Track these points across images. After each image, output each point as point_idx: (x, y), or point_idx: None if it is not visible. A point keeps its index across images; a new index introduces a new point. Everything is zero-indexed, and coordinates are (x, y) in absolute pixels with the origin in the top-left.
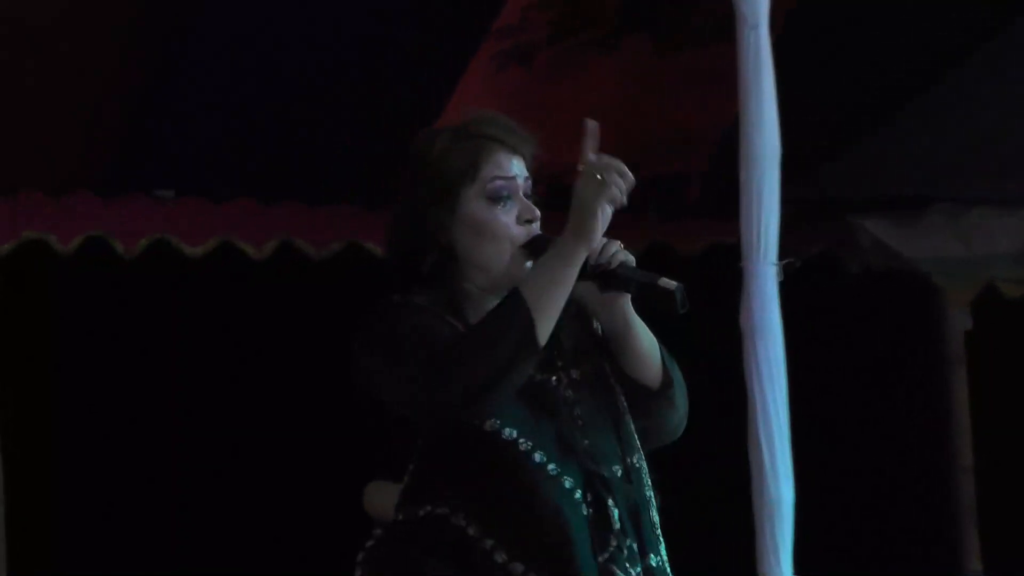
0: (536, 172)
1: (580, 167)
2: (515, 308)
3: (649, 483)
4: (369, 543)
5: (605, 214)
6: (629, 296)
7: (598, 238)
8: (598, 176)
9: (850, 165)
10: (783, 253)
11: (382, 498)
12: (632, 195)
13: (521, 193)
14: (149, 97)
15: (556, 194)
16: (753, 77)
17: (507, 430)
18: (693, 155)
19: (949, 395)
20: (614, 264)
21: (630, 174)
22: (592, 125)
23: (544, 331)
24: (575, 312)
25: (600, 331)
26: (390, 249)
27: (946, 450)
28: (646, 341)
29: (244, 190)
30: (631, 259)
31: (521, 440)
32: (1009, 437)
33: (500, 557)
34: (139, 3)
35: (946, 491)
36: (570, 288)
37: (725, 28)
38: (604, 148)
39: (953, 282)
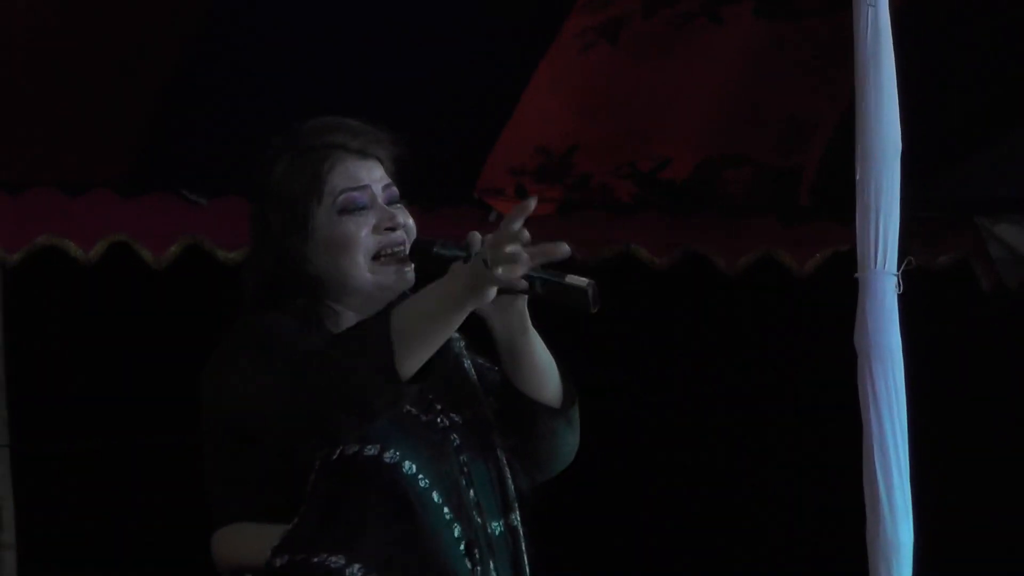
0: (620, 165)
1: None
2: (375, 330)
3: (525, 548)
4: None
5: (494, 281)
6: (526, 298)
7: (489, 299)
8: (508, 249)
9: (983, 165)
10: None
11: (260, 542)
12: (737, 195)
13: (381, 200)
14: (182, 77)
15: (648, 188)
16: (871, 60)
17: (406, 463)
18: (807, 146)
19: None
20: None
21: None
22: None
23: (407, 363)
24: (451, 353)
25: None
26: (251, 290)
27: None
28: (544, 353)
29: None
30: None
31: (421, 477)
32: None
33: None
34: None
35: None
36: (449, 329)
37: None
38: (706, 137)
39: None
